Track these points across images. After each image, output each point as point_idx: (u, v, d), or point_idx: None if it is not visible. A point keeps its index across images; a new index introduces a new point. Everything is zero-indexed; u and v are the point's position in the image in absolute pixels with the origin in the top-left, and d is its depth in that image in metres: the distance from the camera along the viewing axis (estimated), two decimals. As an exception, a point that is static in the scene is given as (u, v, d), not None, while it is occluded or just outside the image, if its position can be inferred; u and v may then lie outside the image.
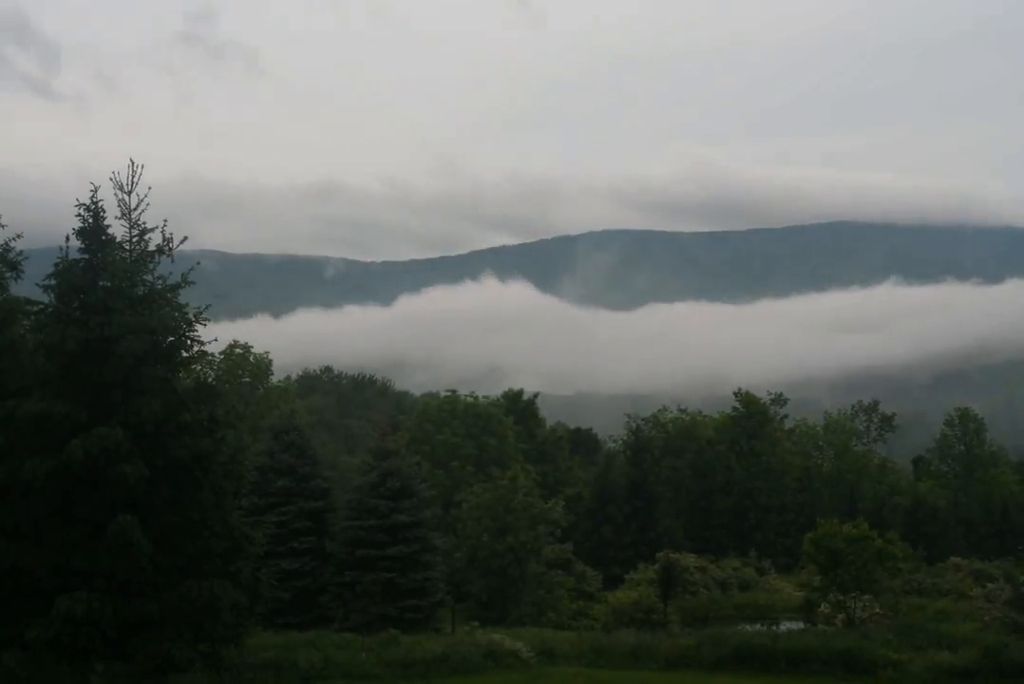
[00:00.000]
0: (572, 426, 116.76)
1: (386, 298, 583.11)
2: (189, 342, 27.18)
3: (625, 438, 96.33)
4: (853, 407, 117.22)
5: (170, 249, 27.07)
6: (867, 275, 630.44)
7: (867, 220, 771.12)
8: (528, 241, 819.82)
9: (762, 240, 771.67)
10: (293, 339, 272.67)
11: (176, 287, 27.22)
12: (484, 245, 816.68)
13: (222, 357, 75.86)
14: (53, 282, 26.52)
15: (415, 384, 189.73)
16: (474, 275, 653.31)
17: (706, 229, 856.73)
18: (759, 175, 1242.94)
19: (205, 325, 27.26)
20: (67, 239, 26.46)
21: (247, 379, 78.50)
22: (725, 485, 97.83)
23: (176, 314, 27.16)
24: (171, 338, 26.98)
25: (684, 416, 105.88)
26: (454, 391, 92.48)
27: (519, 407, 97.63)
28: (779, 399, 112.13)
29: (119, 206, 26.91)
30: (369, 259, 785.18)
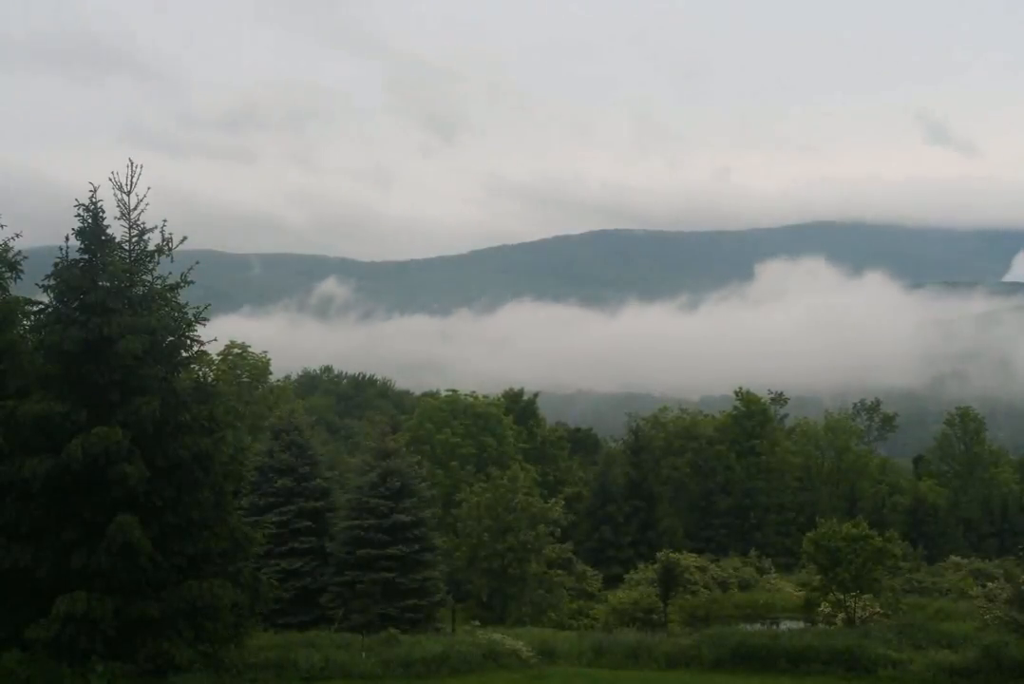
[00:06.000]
0: (572, 426, 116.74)
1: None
2: (188, 342, 27.22)
3: (625, 438, 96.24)
4: (855, 406, 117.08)
5: (169, 249, 27.08)
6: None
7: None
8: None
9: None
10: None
11: (176, 287, 27.23)
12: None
13: (220, 358, 75.71)
14: (53, 282, 26.55)
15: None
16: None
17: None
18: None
19: (204, 325, 27.27)
20: (67, 239, 26.50)
21: (246, 379, 78.44)
22: (725, 485, 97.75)
23: (175, 314, 27.18)
24: (170, 338, 27.01)
25: (684, 416, 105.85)
26: (455, 390, 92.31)
27: (519, 407, 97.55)
28: (779, 399, 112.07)
29: (118, 206, 26.93)
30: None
